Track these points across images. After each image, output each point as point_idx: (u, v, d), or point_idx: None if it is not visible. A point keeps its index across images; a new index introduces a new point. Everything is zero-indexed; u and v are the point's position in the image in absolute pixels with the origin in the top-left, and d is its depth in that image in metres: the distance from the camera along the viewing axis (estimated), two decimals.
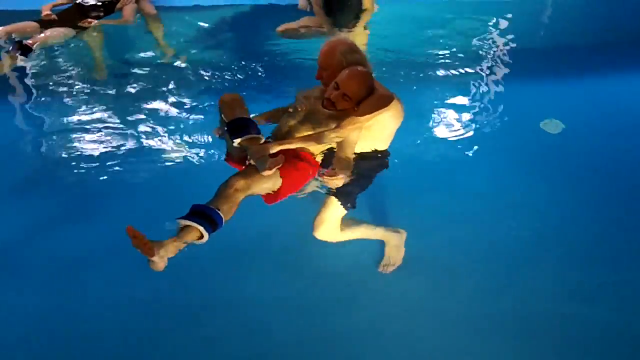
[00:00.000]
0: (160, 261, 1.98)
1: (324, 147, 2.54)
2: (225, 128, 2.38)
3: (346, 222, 2.62)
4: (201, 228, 2.05)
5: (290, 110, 2.55)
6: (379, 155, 2.63)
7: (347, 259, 2.77)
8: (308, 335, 2.47)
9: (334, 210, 2.54)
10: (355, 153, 2.51)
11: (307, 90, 2.65)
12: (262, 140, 2.37)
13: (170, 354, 2.43)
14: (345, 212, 2.57)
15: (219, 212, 2.10)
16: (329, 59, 2.46)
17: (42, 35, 4.20)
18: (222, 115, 2.43)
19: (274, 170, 2.25)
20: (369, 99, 2.39)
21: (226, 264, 2.76)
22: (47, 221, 3.03)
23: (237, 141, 2.32)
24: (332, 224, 2.57)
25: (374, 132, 2.49)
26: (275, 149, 2.31)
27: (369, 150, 2.59)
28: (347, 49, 2.46)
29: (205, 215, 2.08)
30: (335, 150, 2.48)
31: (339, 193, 2.54)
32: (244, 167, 2.42)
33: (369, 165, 2.61)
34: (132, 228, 1.90)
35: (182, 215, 2.09)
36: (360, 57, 2.49)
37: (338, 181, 2.37)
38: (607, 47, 5.15)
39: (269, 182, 2.29)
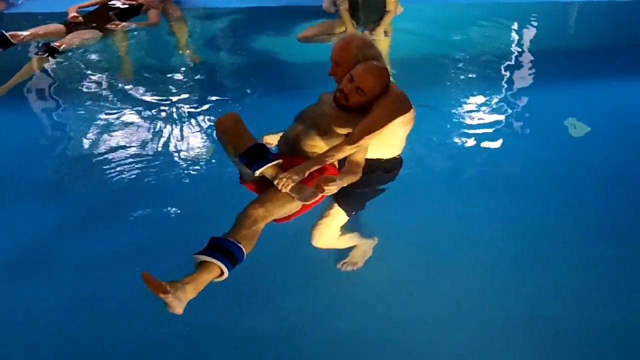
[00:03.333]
0: (178, 305, 1.81)
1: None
2: (238, 159, 2.23)
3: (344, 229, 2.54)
4: (222, 265, 1.87)
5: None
6: (391, 162, 2.54)
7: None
8: (316, 340, 2.41)
9: (339, 217, 2.46)
10: (365, 159, 2.41)
11: (330, 93, 2.55)
12: (280, 162, 2.22)
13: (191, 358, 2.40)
14: (348, 219, 2.48)
15: (239, 245, 1.94)
16: (344, 53, 2.37)
17: (69, 37, 4.24)
18: (228, 144, 2.25)
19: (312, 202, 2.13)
20: (386, 101, 2.26)
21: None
22: (75, 221, 3.02)
23: (258, 172, 2.18)
24: (333, 231, 2.49)
25: (384, 138, 2.36)
26: (306, 173, 2.17)
27: (381, 158, 2.50)
28: (363, 43, 2.38)
29: (225, 250, 1.91)
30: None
31: (345, 200, 2.44)
32: (258, 187, 2.33)
33: (380, 172, 2.52)
34: (148, 275, 1.76)
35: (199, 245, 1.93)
36: (376, 53, 2.40)
37: (331, 188, 2.17)
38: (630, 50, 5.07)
39: (291, 205, 2.15)
